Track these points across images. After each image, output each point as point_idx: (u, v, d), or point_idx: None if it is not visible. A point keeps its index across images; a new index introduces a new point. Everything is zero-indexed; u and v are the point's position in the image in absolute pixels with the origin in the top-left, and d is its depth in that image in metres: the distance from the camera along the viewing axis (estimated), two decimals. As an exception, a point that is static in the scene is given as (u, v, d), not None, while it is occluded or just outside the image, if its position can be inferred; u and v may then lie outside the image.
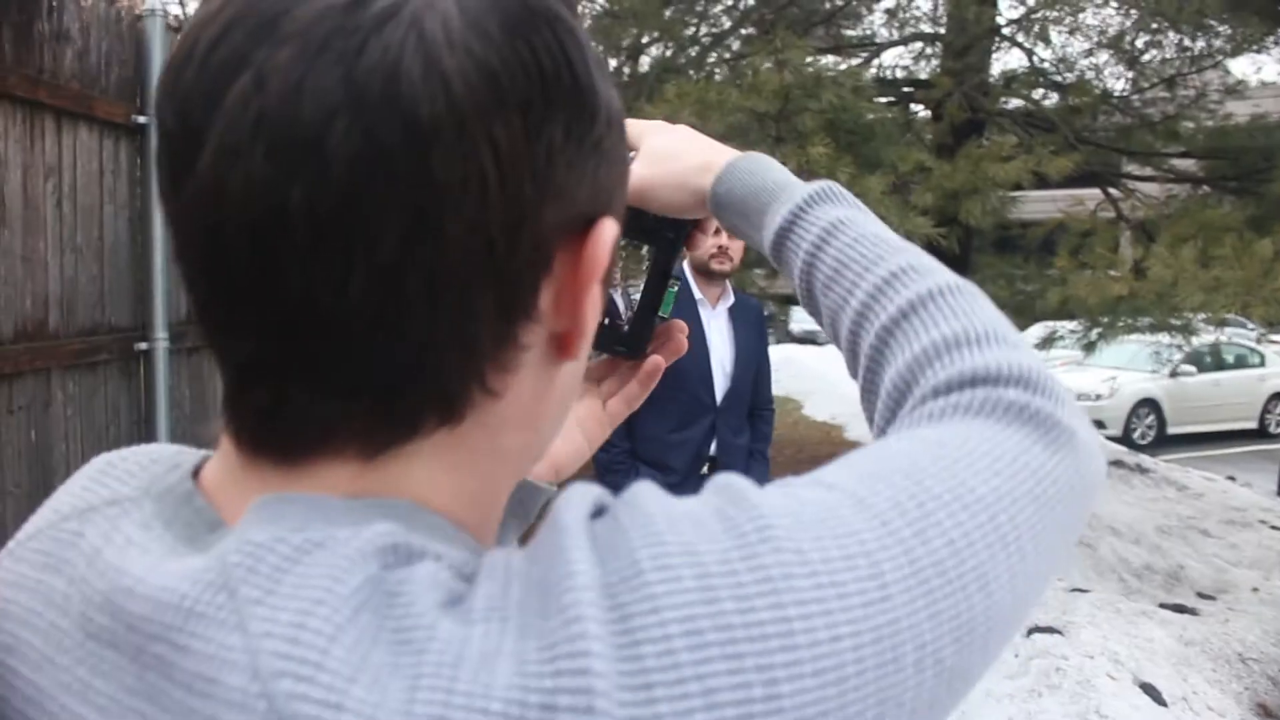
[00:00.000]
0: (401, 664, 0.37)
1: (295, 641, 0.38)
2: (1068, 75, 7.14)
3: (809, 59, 5.89)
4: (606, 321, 0.80)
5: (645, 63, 10.57)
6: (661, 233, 0.81)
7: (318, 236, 0.40)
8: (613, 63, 11.99)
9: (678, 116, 5.89)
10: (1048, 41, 6.97)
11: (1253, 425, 13.51)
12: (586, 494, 0.45)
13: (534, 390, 0.49)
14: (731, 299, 3.66)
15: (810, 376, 16.38)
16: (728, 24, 9.62)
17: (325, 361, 0.43)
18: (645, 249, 0.82)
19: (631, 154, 0.76)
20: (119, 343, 3.41)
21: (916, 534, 0.45)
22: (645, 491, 0.44)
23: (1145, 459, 8.95)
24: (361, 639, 0.38)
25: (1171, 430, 12.86)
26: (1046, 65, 7.23)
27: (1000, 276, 6.57)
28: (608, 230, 0.48)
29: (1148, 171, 8.06)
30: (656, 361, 0.79)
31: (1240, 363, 13.77)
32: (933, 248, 6.14)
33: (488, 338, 0.45)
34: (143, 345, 3.56)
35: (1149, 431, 12.79)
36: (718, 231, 3.49)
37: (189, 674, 0.39)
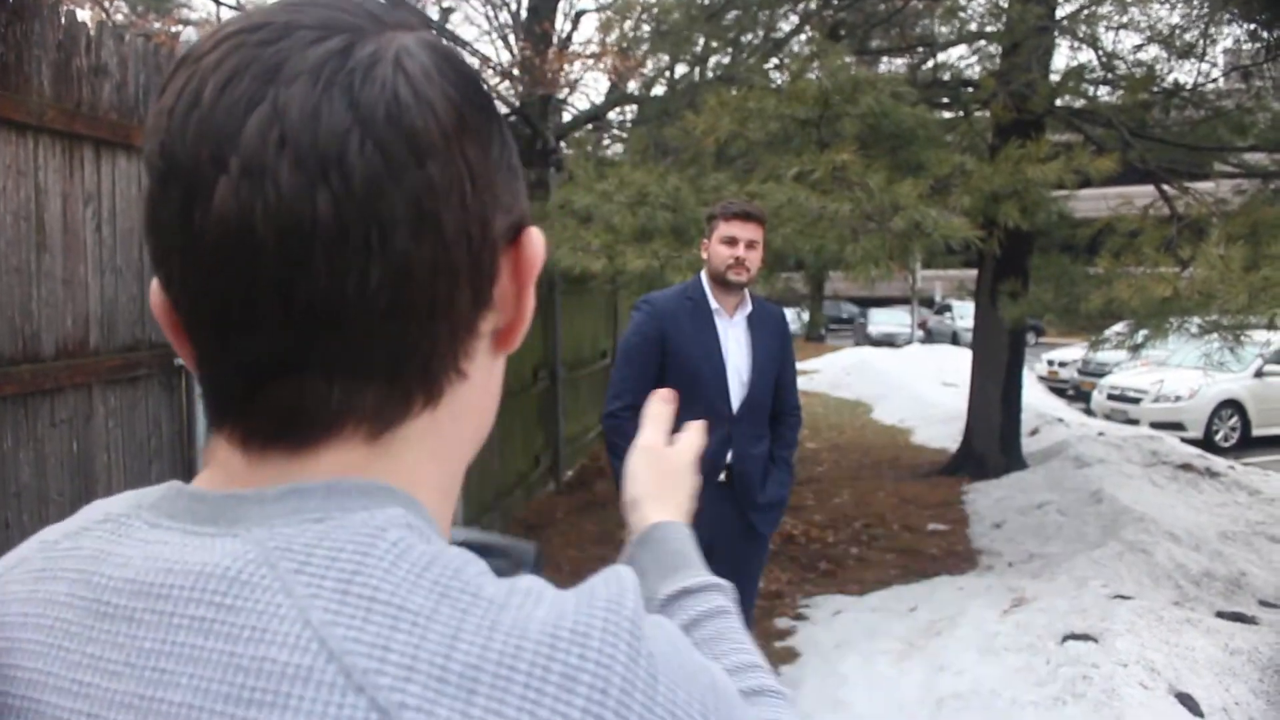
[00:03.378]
0: (442, 614, 0.45)
1: (345, 595, 0.46)
2: (1124, 70, 6.97)
3: (849, 60, 5.88)
4: None
5: (708, 71, 10.63)
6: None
7: (343, 236, 0.48)
8: (681, 69, 12.10)
9: (719, 125, 5.94)
10: (1097, 40, 6.82)
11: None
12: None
13: (483, 379, 0.58)
14: (749, 307, 3.67)
15: (882, 380, 16.19)
16: (787, 30, 9.63)
17: (340, 349, 0.50)
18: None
19: None
20: (159, 358, 3.58)
21: None
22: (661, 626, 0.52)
23: (1217, 462, 8.68)
24: (403, 591, 0.46)
25: (1257, 432, 12.44)
26: (1096, 61, 7.07)
27: (1049, 279, 6.46)
28: (536, 234, 0.58)
29: (1220, 168, 7.84)
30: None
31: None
32: (977, 251, 6.08)
33: (463, 324, 0.54)
34: (181, 360, 3.71)
35: (1232, 434, 12.39)
36: (735, 243, 3.54)
37: (236, 626, 0.46)
